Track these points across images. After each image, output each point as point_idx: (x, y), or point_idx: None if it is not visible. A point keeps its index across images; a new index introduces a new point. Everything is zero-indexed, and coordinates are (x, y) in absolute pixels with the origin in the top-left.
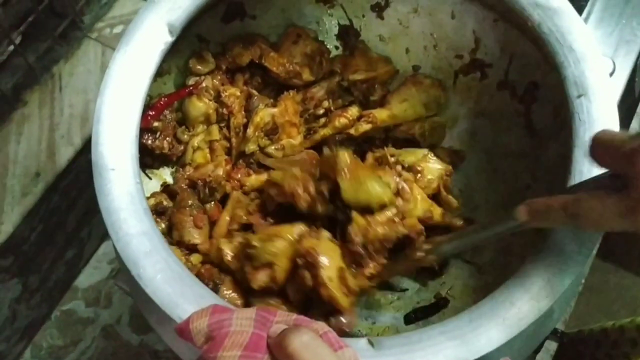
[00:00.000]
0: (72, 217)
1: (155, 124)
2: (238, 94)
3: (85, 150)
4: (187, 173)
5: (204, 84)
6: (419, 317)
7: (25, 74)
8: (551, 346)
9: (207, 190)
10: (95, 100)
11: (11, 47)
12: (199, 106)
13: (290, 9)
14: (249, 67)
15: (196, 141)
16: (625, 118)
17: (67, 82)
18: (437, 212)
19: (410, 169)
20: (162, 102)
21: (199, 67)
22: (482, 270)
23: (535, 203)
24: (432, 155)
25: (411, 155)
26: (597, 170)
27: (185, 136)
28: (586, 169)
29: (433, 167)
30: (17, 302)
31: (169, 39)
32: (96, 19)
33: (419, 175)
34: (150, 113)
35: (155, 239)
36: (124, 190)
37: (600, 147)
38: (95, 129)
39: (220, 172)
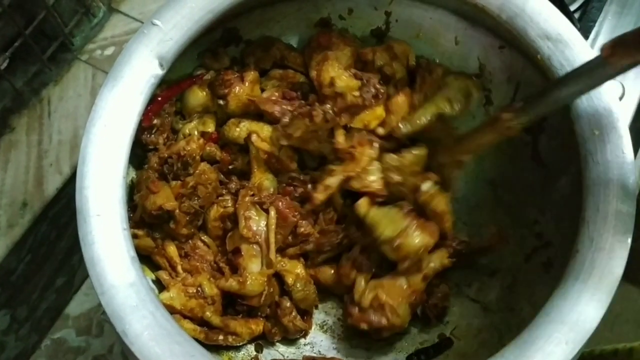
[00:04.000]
0: (62, 244)
1: (155, 120)
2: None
3: (74, 179)
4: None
5: (208, 76)
6: (421, 359)
7: (12, 98)
8: None
9: (180, 165)
10: (85, 126)
11: None
12: (200, 96)
13: (286, 33)
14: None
15: (187, 128)
16: (636, 141)
17: (56, 107)
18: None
19: (386, 242)
20: (161, 97)
21: (214, 63)
22: (487, 310)
23: (616, 37)
24: (414, 227)
25: (389, 227)
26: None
27: (180, 125)
28: (600, 215)
29: (411, 242)
30: (5, 333)
31: (159, 72)
32: (86, 41)
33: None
34: (151, 108)
35: (143, 291)
36: (109, 238)
37: None
38: (80, 170)
39: (194, 146)
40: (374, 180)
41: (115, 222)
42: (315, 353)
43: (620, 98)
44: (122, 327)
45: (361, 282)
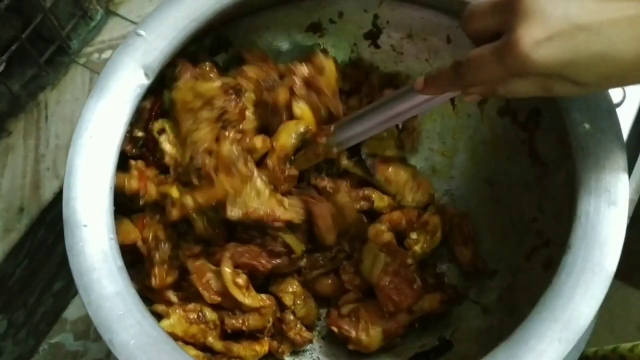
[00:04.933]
0: (60, 249)
1: (140, 133)
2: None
3: None
4: None
5: None
6: None
7: (9, 102)
8: None
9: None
10: None
11: None
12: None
13: (277, 39)
14: None
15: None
16: (636, 148)
17: (53, 111)
18: None
19: None
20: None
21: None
22: (487, 311)
23: (431, 71)
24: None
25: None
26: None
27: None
28: (593, 209)
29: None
30: (2, 338)
31: (145, 82)
32: (84, 44)
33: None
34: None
35: (129, 300)
36: (97, 249)
37: (475, 12)
38: (67, 182)
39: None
40: (260, 205)
41: (102, 232)
42: (314, 359)
43: (621, 103)
44: (109, 336)
45: (353, 295)
